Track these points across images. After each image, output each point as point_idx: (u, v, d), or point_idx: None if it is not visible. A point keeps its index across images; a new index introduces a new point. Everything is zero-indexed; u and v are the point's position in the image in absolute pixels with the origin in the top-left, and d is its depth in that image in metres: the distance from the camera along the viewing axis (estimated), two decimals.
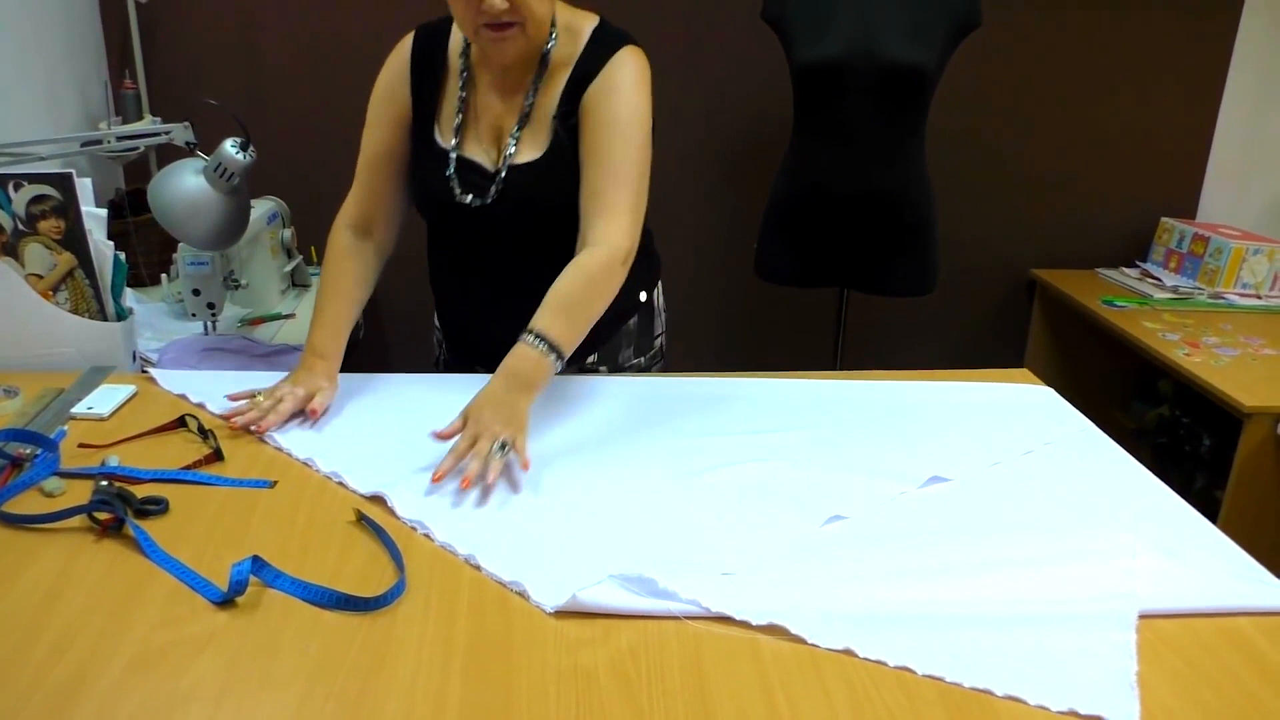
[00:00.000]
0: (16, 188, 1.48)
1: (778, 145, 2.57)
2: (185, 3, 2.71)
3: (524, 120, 1.45)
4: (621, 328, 1.62)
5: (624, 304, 1.54)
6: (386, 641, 0.93)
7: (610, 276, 1.37)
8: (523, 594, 1.01)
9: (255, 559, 1.01)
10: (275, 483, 1.22)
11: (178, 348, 1.90)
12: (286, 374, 1.44)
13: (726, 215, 2.98)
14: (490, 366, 1.32)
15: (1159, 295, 2.90)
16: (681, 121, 2.87)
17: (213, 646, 0.92)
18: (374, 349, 3.05)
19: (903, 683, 0.90)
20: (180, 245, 1.93)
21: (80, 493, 1.16)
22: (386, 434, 1.34)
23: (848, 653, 0.93)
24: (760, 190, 2.53)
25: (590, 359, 1.61)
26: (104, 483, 1.17)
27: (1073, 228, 3.19)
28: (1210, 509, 1.71)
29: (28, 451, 1.25)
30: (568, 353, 1.32)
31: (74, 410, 1.38)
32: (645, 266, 1.60)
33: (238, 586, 0.98)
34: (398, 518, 1.14)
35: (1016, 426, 1.44)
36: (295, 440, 1.31)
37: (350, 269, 1.51)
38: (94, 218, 1.54)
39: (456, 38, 1.50)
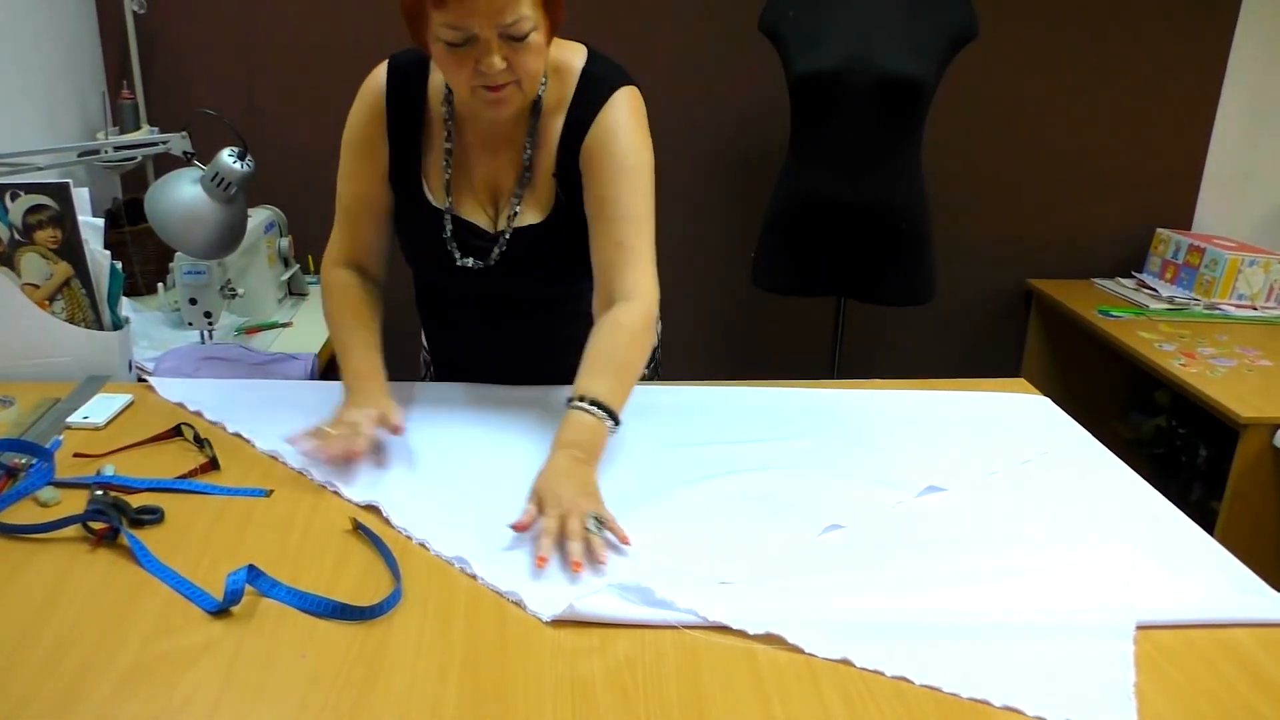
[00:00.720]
0: (13, 197, 1.48)
1: (775, 155, 2.57)
2: (183, 13, 2.72)
3: (524, 179, 1.40)
4: None
5: None
6: (382, 651, 0.93)
7: (649, 330, 1.33)
8: (519, 603, 1.01)
9: (251, 568, 1.01)
10: (271, 492, 1.21)
11: (174, 356, 1.89)
12: (336, 407, 1.33)
13: (724, 224, 2.99)
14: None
15: (1155, 306, 2.90)
16: (679, 131, 2.87)
17: (208, 657, 0.91)
18: None
19: (900, 693, 0.90)
20: (177, 254, 1.93)
21: (75, 502, 1.15)
22: (381, 444, 1.34)
23: (845, 663, 0.93)
24: (758, 200, 2.53)
25: None
26: (99, 492, 1.17)
27: (1069, 238, 3.20)
28: (1207, 520, 1.71)
29: (23, 461, 1.24)
30: (620, 414, 1.25)
31: (70, 419, 1.38)
32: None
33: (233, 596, 0.97)
34: (393, 527, 1.14)
35: (1013, 436, 1.44)
36: (290, 450, 1.31)
37: (359, 297, 1.45)
38: (91, 227, 1.54)
39: (437, 81, 1.41)
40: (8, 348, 1.53)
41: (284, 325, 2.33)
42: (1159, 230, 3.13)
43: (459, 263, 1.43)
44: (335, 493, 1.21)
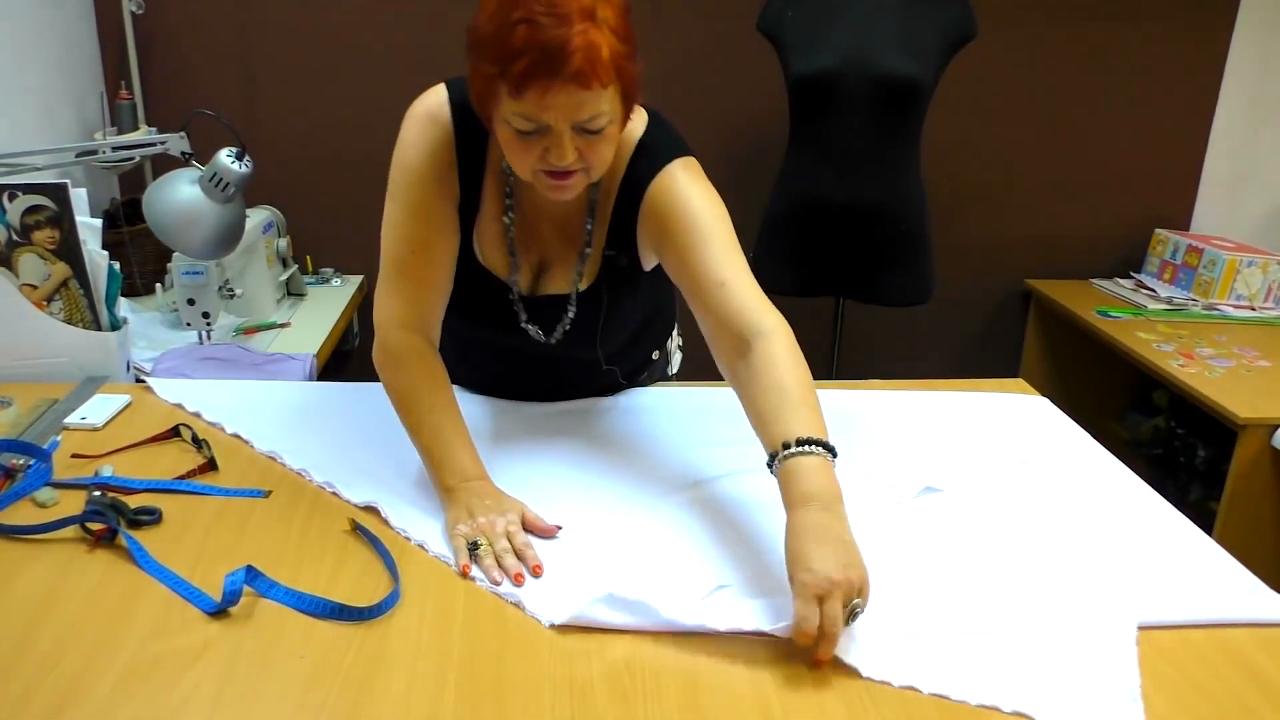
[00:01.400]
0: (11, 198, 1.48)
1: (774, 156, 2.57)
2: (181, 14, 2.71)
3: (588, 251, 1.31)
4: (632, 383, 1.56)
5: (635, 365, 1.54)
6: (381, 652, 0.93)
7: (800, 355, 1.17)
8: (518, 605, 1.01)
9: (249, 569, 1.00)
10: (269, 493, 1.21)
11: (173, 357, 1.90)
12: (446, 518, 1.17)
13: None
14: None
15: (1153, 306, 2.91)
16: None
17: (206, 657, 0.91)
18: (369, 359, 3.04)
19: (903, 700, 0.89)
20: (175, 255, 1.93)
21: (73, 503, 1.15)
22: (381, 444, 1.34)
23: (851, 671, 0.92)
24: (756, 201, 2.53)
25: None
26: (97, 493, 1.17)
27: (1068, 238, 3.20)
28: (1205, 520, 1.71)
29: (20, 462, 1.24)
30: (830, 441, 1.07)
31: (67, 420, 1.38)
32: (660, 327, 1.55)
33: (231, 597, 0.97)
34: (392, 528, 1.14)
35: (1012, 437, 1.44)
36: (289, 450, 1.31)
37: (441, 373, 1.29)
38: (89, 228, 1.53)
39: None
40: (6, 348, 1.52)
41: (282, 325, 2.33)
42: (1157, 231, 3.14)
43: (533, 336, 1.35)
44: (334, 494, 1.21)
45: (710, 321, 1.21)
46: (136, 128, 2.61)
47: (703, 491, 1.24)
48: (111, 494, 1.17)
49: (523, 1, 1.03)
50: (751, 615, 0.98)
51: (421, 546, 1.11)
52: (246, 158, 1.59)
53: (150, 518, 1.13)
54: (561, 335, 1.36)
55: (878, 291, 2.46)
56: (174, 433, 1.34)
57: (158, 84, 2.75)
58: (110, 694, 0.86)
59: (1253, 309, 2.88)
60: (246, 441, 1.34)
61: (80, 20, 2.63)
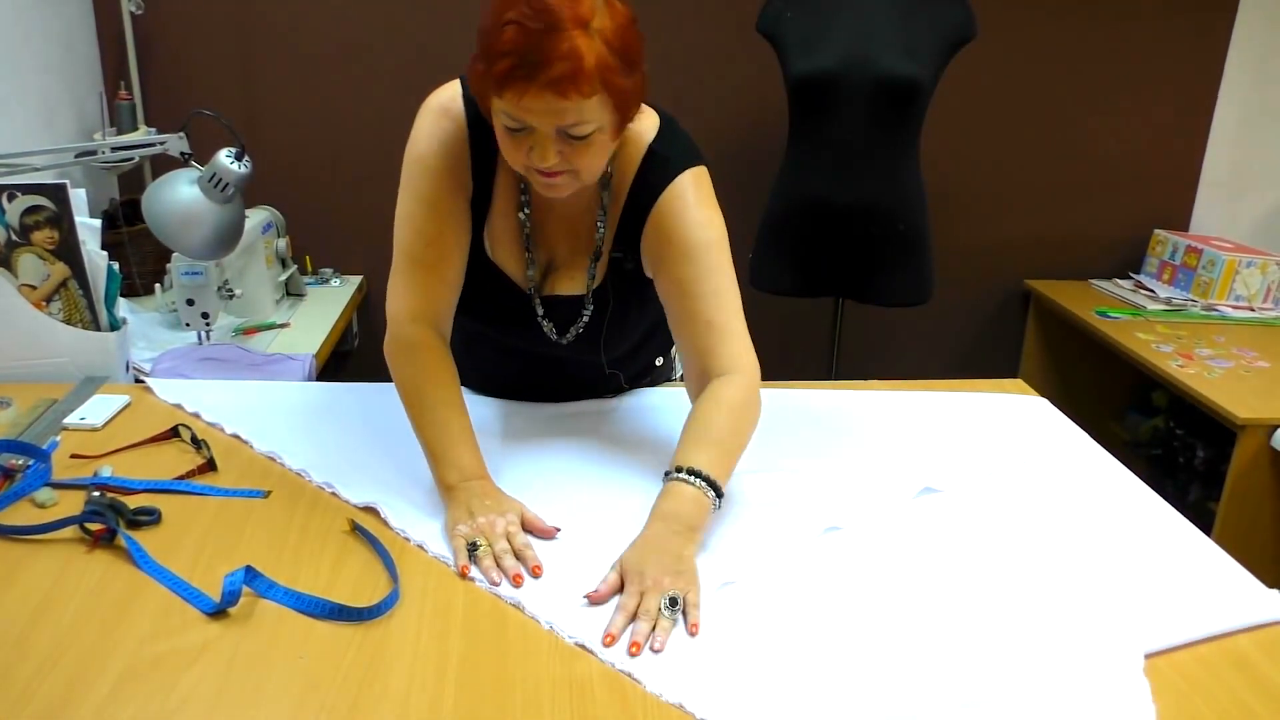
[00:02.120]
0: (10, 198, 1.48)
1: (773, 156, 2.57)
2: (180, 14, 2.71)
3: (596, 256, 1.32)
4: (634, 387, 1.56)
5: (637, 370, 1.54)
6: (380, 652, 0.93)
7: (753, 403, 1.23)
8: (518, 606, 1.01)
9: (248, 569, 1.00)
10: (269, 493, 1.21)
11: (172, 357, 1.90)
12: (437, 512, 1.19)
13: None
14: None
15: (1152, 307, 2.91)
16: None
17: (205, 658, 0.91)
18: (368, 359, 3.04)
19: None
20: (175, 255, 1.93)
21: (72, 504, 1.15)
22: (380, 445, 1.34)
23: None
24: (756, 201, 2.53)
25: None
26: (96, 493, 1.17)
27: (1067, 239, 3.20)
28: (1205, 521, 1.71)
29: (20, 462, 1.24)
30: (724, 487, 1.15)
31: (67, 421, 1.38)
32: (665, 335, 1.50)
33: (230, 597, 0.97)
34: (391, 528, 1.14)
35: (1011, 437, 1.44)
36: (289, 450, 1.31)
37: (449, 368, 1.28)
38: (88, 228, 1.53)
39: None
40: (5, 349, 1.52)
41: (281, 326, 2.33)
42: (1157, 231, 3.14)
43: (549, 335, 1.36)
44: (333, 494, 1.21)
45: (687, 352, 1.27)
46: (136, 128, 2.61)
47: None
48: (110, 494, 1.17)
49: (518, 2, 1.03)
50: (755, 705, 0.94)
51: (421, 547, 1.11)
52: (246, 158, 1.59)
53: (149, 518, 1.13)
54: (575, 336, 1.36)
55: (877, 292, 2.46)
56: (173, 433, 1.34)
57: (157, 84, 2.75)
58: (109, 695, 0.86)
59: (1252, 309, 2.88)
60: (246, 442, 1.34)
61: (79, 21, 2.63)
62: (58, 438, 1.33)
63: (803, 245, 2.44)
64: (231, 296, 2.09)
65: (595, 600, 1.01)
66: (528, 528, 1.14)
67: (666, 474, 1.15)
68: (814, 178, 2.38)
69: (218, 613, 0.97)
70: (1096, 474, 1.35)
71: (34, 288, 1.53)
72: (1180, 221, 3.22)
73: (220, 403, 1.44)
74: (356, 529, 1.12)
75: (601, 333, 1.35)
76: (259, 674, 0.89)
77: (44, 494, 1.18)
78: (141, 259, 2.40)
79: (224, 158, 1.57)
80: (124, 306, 1.64)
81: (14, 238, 1.50)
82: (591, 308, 1.34)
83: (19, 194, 1.48)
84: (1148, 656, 0.95)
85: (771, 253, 2.49)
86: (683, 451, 1.16)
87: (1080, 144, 3.10)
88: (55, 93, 2.48)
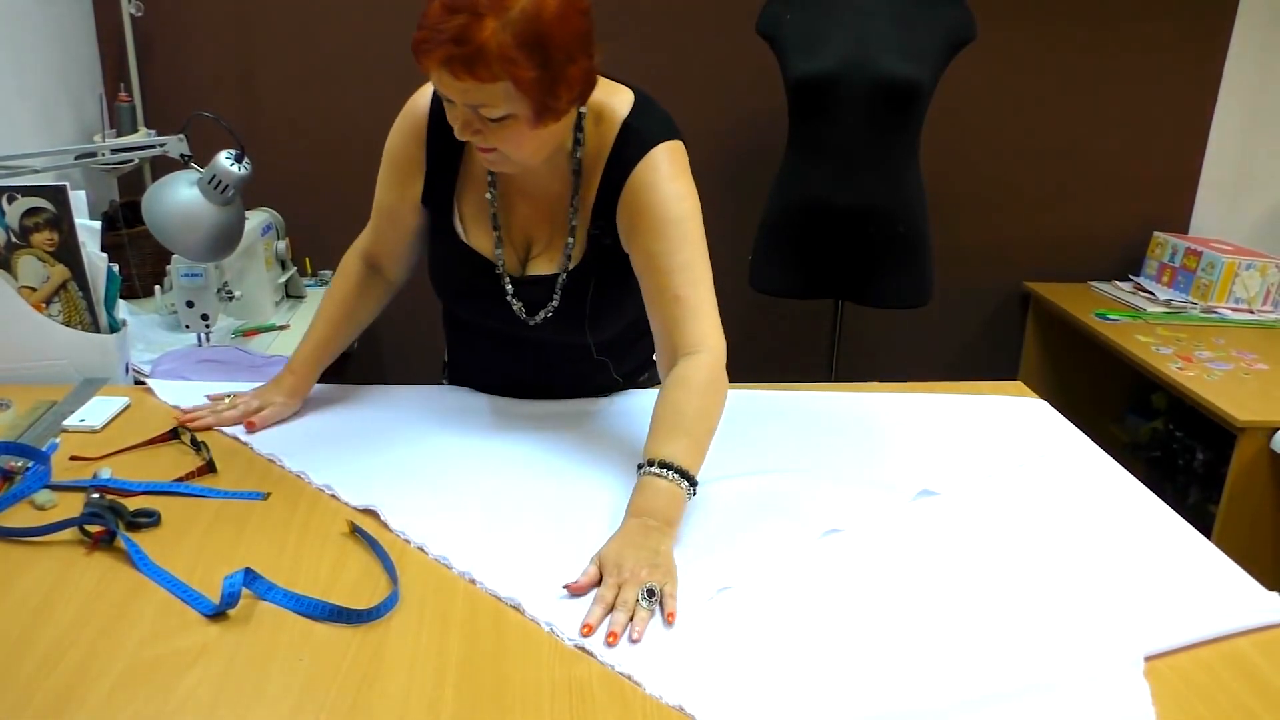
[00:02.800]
0: (10, 200, 1.48)
1: (772, 158, 2.57)
2: (180, 16, 2.72)
3: (572, 240, 1.34)
4: (627, 386, 1.57)
5: (635, 365, 1.55)
6: (380, 654, 0.93)
7: (718, 381, 1.26)
8: (517, 606, 1.01)
9: (247, 571, 1.00)
10: (268, 495, 1.21)
11: (171, 359, 1.90)
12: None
13: (721, 227, 2.94)
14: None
15: (1152, 309, 2.91)
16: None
17: (204, 660, 0.91)
18: (369, 363, 3.04)
19: None
20: (174, 257, 1.93)
21: (71, 505, 1.15)
22: (380, 447, 1.34)
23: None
24: (755, 203, 2.53)
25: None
26: (95, 495, 1.17)
27: (1066, 241, 3.20)
28: (1204, 523, 1.71)
29: (19, 464, 1.24)
30: (697, 474, 1.17)
31: (66, 422, 1.38)
32: None
33: (230, 599, 0.97)
34: (390, 530, 1.14)
35: (1011, 439, 1.44)
36: (288, 452, 1.31)
37: (351, 296, 1.48)
38: (87, 230, 1.53)
39: None
40: (4, 350, 1.52)
41: (281, 328, 2.33)
42: (1156, 234, 3.14)
43: (517, 313, 1.38)
44: (333, 496, 1.21)
45: (657, 328, 1.31)
46: (135, 130, 2.62)
47: (700, 491, 1.24)
48: (110, 496, 1.17)
49: None
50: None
51: (421, 549, 1.11)
52: (246, 160, 1.59)
53: (149, 520, 1.13)
54: (548, 316, 1.38)
55: (876, 294, 2.47)
56: (173, 435, 1.34)
57: (157, 86, 2.75)
58: (109, 696, 0.86)
59: (1251, 312, 2.88)
60: (245, 444, 1.34)
61: (79, 23, 2.63)
62: (57, 439, 1.33)
63: (802, 247, 2.45)
64: (231, 298, 2.09)
65: (574, 591, 1.03)
66: (262, 421, 1.38)
67: (640, 466, 1.17)
68: (813, 179, 2.39)
69: (217, 614, 0.97)
70: (1095, 476, 1.35)
71: (33, 289, 1.53)
72: (1180, 224, 3.22)
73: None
74: (356, 530, 1.12)
75: (584, 313, 1.37)
76: (258, 676, 0.89)
77: (43, 496, 1.18)
78: (141, 261, 2.40)
79: (224, 159, 1.57)
80: (123, 308, 1.65)
81: (14, 239, 1.50)
82: (561, 292, 1.35)
83: (19, 195, 1.48)
84: (1147, 659, 0.95)
85: (770, 254, 2.49)
86: (653, 443, 1.19)
87: (1079, 146, 3.11)
88: (55, 95, 2.48)
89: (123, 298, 1.66)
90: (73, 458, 1.29)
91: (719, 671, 0.92)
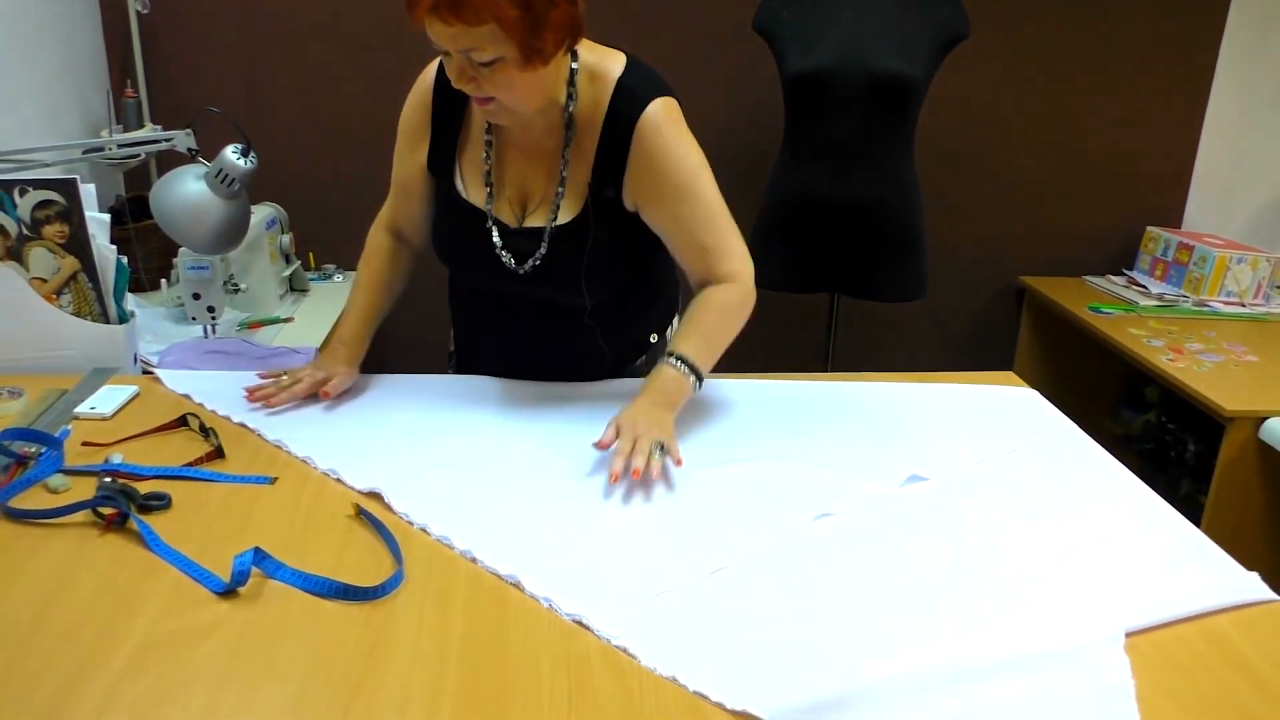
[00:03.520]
0: (22, 193, 1.51)
1: (769, 153, 2.60)
2: (186, 12, 2.74)
3: (561, 190, 1.41)
4: (625, 369, 1.60)
5: (629, 345, 1.58)
6: (385, 630, 0.96)
7: (744, 307, 1.45)
8: (517, 584, 1.03)
9: (257, 550, 1.03)
10: (275, 479, 1.24)
11: (178, 350, 1.92)
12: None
13: None
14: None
15: (1145, 302, 2.94)
16: None
17: (215, 635, 0.94)
18: (370, 352, 3.07)
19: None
20: (181, 250, 1.96)
21: (84, 489, 1.18)
22: (384, 432, 1.37)
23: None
24: (751, 197, 2.56)
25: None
26: (107, 479, 1.20)
27: (1061, 236, 3.23)
28: (1195, 514, 1.74)
29: (32, 450, 1.27)
30: (705, 376, 1.39)
31: (77, 410, 1.40)
32: (658, 310, 1.62)
33: (240, 577, 1.00)
34: (394, 513, 1.17)
35: (1001, 426, 1.46)
36: (294, 437, 1.34)
37: (384, 265, 1.59)
38: (97, 222, 1.56)
39: None
40: (16, 340, 1.55)
41: (285, 320, 2.36)
42: (1149, 228, 3.17)
43: (506, 265, 1.44)
44: (338, 480, 1.24)
45: (689, 270, 1.47)
46: (142, 125, 2.64)
47: (697, 478, 1.27)
48: (121, 480, 1.20)
49: None
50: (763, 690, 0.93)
51: (423, 530, 1.14)
52: (252, 154, 1.62)
53: (159, 503, 1.16)
54: (536, 264, 1.43)
55: (872, 288, 2.49)
56: (182, 422, 1.37)
57: (163, 81, 2.78)
58: (123, 670, 0.89)
59: (1242, 305, 2.91)
60: (253, 430, 1.37)
61: (86, 18, 2.66)
62: (69, 426, 1.36)
63: (798, 242, 2.47)
64: (236, 291, 2.11)
65: (600, 447, 1.26)
66: (318, 388, 1.45)
67: (663, 356, 1.38)
68: (809, 175, 2.41)
69: (227, 592, 1.00)
70: (1082, 460, 1.38)
71: (44, 281, 1.56)
72: (1173, 219, 3.25)
73: (227, 393, 1.47)
74: (361, 513, 1.15)
75: (580, 266, 1.42)
76: (267, 651, 0.92)
77: (56, 480, 1.20)
78: (147, 255, 2.43)
79: (230, 154, 1.60)
80: (130, 301, 1.67)
81: (25, 232, 1.53)
82: (549, 241, 1.42)
83: (30, 189, 1.51)
84: (1129, 635, 0.98)
85: (767, 249, 2.52)
86: (675, 339, 1.40)
87: (1073, 142, 3.13)
88: (61, 90, 2.51)
89: (129, 291, 1.69)
90: (84, 443, 1.31)
91: (712, 646, 0.95)
